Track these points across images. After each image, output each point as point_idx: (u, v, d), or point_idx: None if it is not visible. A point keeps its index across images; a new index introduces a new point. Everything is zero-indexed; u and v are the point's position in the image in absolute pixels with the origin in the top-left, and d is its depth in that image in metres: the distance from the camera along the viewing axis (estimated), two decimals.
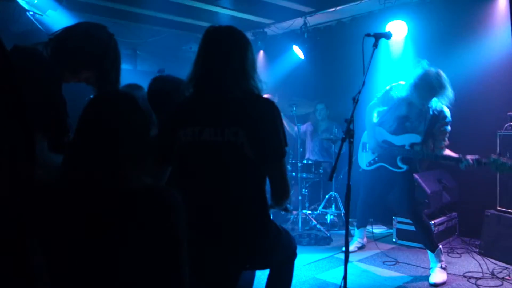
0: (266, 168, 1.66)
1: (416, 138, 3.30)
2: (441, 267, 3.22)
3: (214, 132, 1.61)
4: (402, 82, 3.39)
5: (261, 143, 1.60)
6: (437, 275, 3.16)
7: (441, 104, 3.26)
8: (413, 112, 3.32)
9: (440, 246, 3.30)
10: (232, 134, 1.58)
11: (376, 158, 3.59)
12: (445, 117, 3.28)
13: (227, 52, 1.66)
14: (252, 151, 1.59)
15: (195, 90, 1.70)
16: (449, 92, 3.13)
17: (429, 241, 3.30)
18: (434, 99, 3.25)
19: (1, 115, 0.91)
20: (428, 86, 3.13)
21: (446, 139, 3.30)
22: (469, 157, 3.04)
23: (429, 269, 3.27)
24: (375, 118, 3.58)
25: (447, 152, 3.27)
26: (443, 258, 3.26)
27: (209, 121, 1.63)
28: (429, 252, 3.30)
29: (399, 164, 3.39)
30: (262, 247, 1.69)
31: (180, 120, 1.68)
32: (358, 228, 4.01)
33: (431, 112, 3.28)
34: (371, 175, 3.69)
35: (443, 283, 3.11)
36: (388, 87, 3.48)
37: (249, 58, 1.69)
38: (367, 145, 3.68)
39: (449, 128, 3.30)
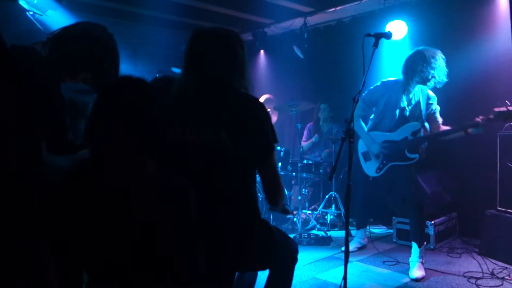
0: (255, 166, 1.66)
1: (415, 125, 3.35)
2: (422, 263, 3.33)
3: (196, 131, 1.60)
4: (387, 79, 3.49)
5: (245, 140, 1.59)
6: (418, 271, 3.25)
7: (425, 88, 3.35)
8: (406, 101, 3.36)
9: (424, 243, 3.43)
10: (213, 133, 1.58)
11: (384, 161, 3.50)
12: (430, 97, 3.41)
13: (212, 52, 1.65)
14: (236, 149, 1.58)
15: (180, 91, 1.70)
16: (436, 70, 3.17)
17: (421, 234, 3.43)
18: (418, 87, 3.32)
19: (9, 111, 0.90)
20: (411, 62, 3.24)
21: (439, 116, 3.43)
22: (477, 119, 3.08)
23: (410, 263, 3.35)
24: (364, 125, 3.59)
25: (445, 127, 3.38)
26: (423, 254, 3.38)
27: (191, 121, 1.62)
28: (414, 246, 3.38)
29: (410, 155, 3.36)
30: (251, 248, 1.66)
31: (163, 121, 1.68)
32: (358, 229, 4.01)
33: (417, 98, 3.37)
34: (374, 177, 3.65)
35: (422, 278, 3.20)
36: (371, 88, 3.52)
37: (234, 57, 1.67)
38: (369, 153, 3.60)
39: (438, 107, 3.42)
